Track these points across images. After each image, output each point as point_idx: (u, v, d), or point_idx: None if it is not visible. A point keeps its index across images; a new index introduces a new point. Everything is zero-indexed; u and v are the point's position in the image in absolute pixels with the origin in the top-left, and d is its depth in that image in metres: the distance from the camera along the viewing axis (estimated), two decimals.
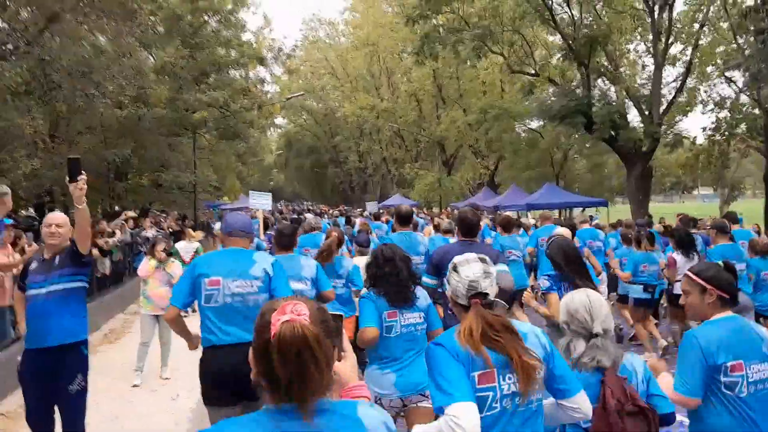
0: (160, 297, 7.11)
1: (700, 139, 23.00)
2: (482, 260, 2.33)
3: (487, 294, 2.25)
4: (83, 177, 3.57)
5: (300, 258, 5.03)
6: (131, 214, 12.17)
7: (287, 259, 4.79)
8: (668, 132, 21.36)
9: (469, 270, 2.29)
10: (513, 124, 28.97)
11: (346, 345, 1.70)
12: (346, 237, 8.36)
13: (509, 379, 2.11)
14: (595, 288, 3.22)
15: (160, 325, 7.23)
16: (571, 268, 3.83)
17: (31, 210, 16.49)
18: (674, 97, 21.44)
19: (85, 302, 4.30)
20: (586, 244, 7.89)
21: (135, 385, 7.03)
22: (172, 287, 7.32)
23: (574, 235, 6.81)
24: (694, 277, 2.68)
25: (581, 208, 25.48)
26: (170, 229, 17.10)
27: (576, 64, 19.02)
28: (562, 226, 7.01)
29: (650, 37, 21.28)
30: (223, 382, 3.43)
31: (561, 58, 18.26)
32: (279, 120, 52.29)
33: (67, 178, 3.54)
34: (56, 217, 4.19)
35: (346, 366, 1.65)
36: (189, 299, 3.70)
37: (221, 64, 21.74)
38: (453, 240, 7.27)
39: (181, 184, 20.34)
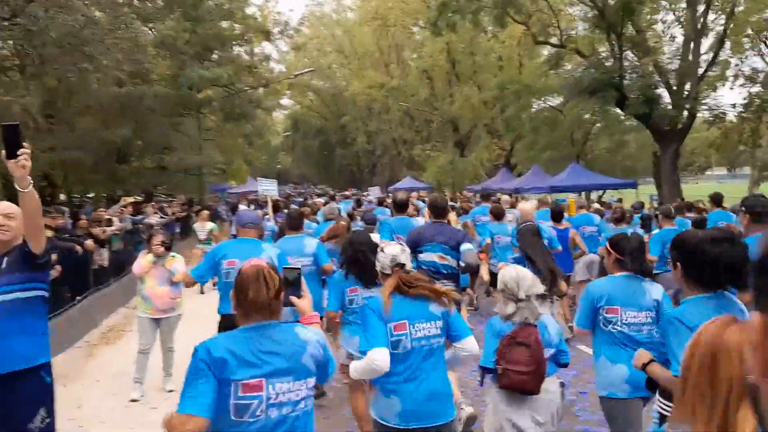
0: (160, 297, 6.09)
1: (729, 116, 21.73)
2: (400, 243, 3.58)
3: (404, 264, 3.18)
4: (25, 150, 2.54)
5: (304, 238, 5.89)
6: (131, 199, 11.17)
7: (294, 238, 5.77)
8: (700, 108, 20.06)
9: (392, 249, 3.25)
10: (531, 102, 27.62)
11: (305, 287, 2.44)
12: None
13: (417, 327, 2.98)
14: (553, 268, 4.66)
15: (161, 330, 6.22)
16: (531, 251, 4.79)
17: None
18: (705, 71, 20.10)
19: (45, 316, 3.29)
20: (579, 230, 8.29)
21: (133, 400, 6.04)
22: (172, 286, 6.35)
23: (560, 218, 7.90)
24: (606, 244, 3.65)
25: (601, 191, 24.37)
26: (174, 215, 16.12)
27: (605, 33, 17.68)
28: (553, 211, 8.10)
29: (682, 5, 19.92)
30: None
31: (591, 27, 16.88)
32: (285, 101, 51.14)
33: (4, 152, 2.50)
34: (5, 206, 3.15)
35: (304, 302, 2.40)
36: (207, 274, 4.88)
37: (225, 38, 20.53)
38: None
39: (186, 167, 19.29)
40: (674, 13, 22.36)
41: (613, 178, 20.67)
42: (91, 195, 21.93)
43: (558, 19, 19.18)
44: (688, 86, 18.29)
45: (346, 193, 29.69)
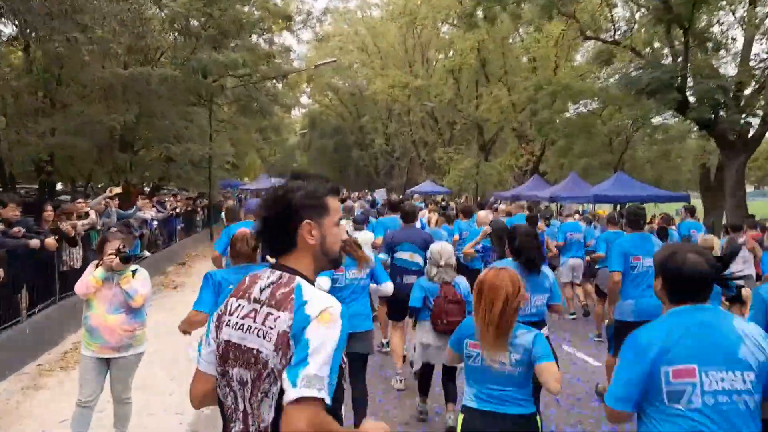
0: (111, 329, 4.17)
1: None
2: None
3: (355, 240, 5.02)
4: None
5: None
6: (117, 189, 9.28)
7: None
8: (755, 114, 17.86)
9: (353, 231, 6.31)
10: (567, 105, 25.55)
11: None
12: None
13: (350, 270, 4.68)
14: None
15: (112, 375, 4.30)
16: (497, 242, 5.62)
17: None
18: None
19: None
20: (566, 236, 9.38)
21: None
22: (131, 314, 4.43)
23: (535, 223, 8.47)
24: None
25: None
26: (175, 211, 14.29)
27: (666, 28, 15.56)
28: (528, 216, 9.18)
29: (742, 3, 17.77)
30: None
31: (653, 20, 14.74)
32: (304, 99, 49.43)
33: None
34: None
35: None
36: (226, 249, 5.63)
37: (243, 24, 18.66)
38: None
39: (194, 159, 17.43)
40: (733, 14, 20.20)
41: (663, 189, 18.49)
42: (100, 185, 20.26)
43: (612, 12, 17.10)
44: (746, 92, 16.21)
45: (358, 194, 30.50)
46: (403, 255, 6.26)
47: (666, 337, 2.16)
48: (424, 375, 5.11)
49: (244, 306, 1.70)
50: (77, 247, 7.92)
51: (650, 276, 4.41)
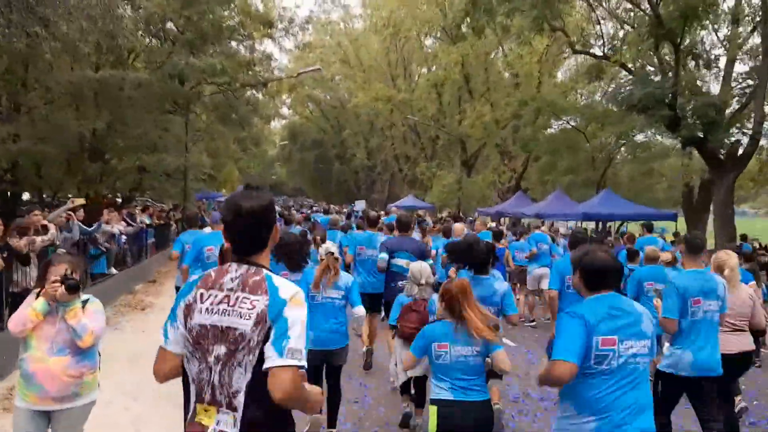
0: (53, 375, 3.37)
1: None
2: (330, 242, 5.75)
3: (333, 253, 4.93)
4: None
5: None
6: (79, 201, 8.39)
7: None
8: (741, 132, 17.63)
9: (327, 245, 5.12)
10: (550, 122, 25.27)
11: None
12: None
13: (329, 292, 4.85)
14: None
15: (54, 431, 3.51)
16: (455, 257, 5.14)
17: None
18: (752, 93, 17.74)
19: None
20: (537, 246, 10.15)
21: None
22: (78, 356, 3.60)
23: (500, 239, 9.70)
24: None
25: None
26: (145, 224, 13.40)
27: (655, 44, 15.26)
28: (494, 232, 10.05)
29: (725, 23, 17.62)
30: None
31: (645, 35, 14.38)
32: (284, 110, 48.58)
33: None
34: None
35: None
36: (195, 261, 6.31)
37: (222, 27, 17.91)
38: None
39: (168, 169, 16.53)
40: (715, 34, 20.10)
41: (651, 208, 18.10)
42: (69, 196, 19.14)
43: (599, 27, 16.79)
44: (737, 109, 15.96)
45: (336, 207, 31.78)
46: (399, 261, 6.67)
47: (593, 315, 2.80)
48: (417, 385, 5.29)
49: (216, 294, 2.01)
50: (30, 266, 7.05)
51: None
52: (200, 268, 6.06)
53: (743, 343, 4.67)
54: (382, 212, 24.80)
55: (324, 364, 4.84)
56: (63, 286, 3.37)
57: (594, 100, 26.67)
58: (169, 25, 16.80)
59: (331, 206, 33.02)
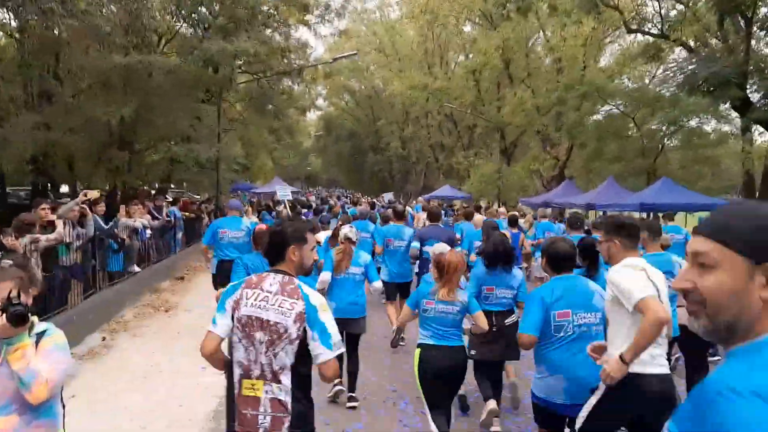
0: None
1: None
2: (350, 227, 5.88)
3: (351, 238, 5.52)
4: None
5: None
6: (94, 193, 7.47)
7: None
8: None
9: (346, 229, 5.65)
10: (596, 108, 23.59)
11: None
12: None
13: (352, 268, 5.48)
14: (508, 248, 5.12)
15: None
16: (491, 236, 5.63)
17: None
18: None
19: None
20: (545, 234, 10.17)
21: None
22: (29, 414, 2.60)
23: (515, 224, 10.00)
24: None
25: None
26: (172, 218, 12.55)
27: (719, 19, 13.62)
28: (510, 218, 10.42)
29: None
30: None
31: (712, 8, 12.75)
32: (319, 101, 47.74)
33: None
34: None
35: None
36: (212, 241, 7.28)
37: (257, 13, 16.89)
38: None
39: (199, 159, 15.68)
40: None
41: (714, 198, 16.41)
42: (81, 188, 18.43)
43: (659, 3, 15.15)
44: None
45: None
46: (430, 249, 7.17)
47: (552, 293, 3.48)
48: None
49: (258, 294, 2.59)
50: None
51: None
52: (217, 249, 7.34)
53: None
54: (413, 202, 24.26)
55: (344, 333, 5.04)
56: (3, 316, 2.33)
57: (643, 84, 24.81)
58: (202, 9, 15.87)
59: (360, 197, 33.12)
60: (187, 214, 14.17)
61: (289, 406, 2.50)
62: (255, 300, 2.54)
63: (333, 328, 2.53)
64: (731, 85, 12.87)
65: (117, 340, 7.41)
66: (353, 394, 5.33)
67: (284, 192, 15.47)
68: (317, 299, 2.56)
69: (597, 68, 26.62)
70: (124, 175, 14.24)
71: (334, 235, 6.50)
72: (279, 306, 2.51)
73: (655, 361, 3.08)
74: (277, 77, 20.86)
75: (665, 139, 23.26)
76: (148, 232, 10.41)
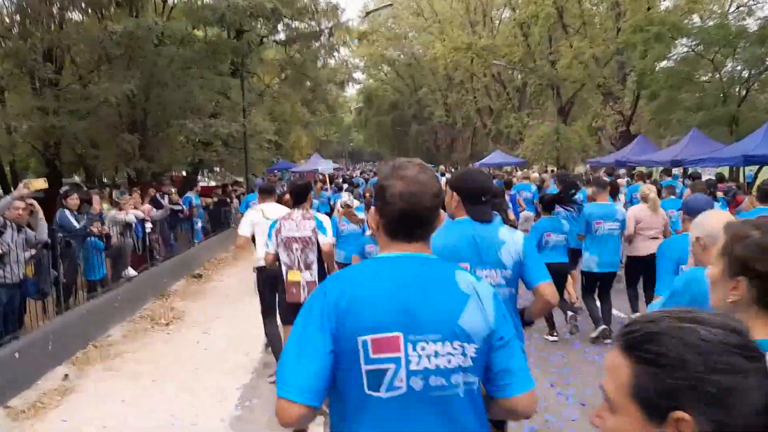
0: None
1: None
2: (349, 195, 7.44)
3: (350, 205, 6.43)
4: None
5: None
6: (37, 184, 5.37)
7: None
8: None
9: (343, 197, 7.00)
10: (669, 50, 20.21)
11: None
12: None
13: (349, 225, 6.53)
14: (505, 210, 5.19)
15: None
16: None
17: None
18: None
19: None
20: (520, 194, 10.91)
21: None
22: None
23: (510, 187, 11.25)
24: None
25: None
26: (179, 204, 10.53)
27: None
28: (505, 181, 11.89)
29: None
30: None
31: None
32: (357, 75, 45.15)
33: None
34: None
35: None
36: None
37: None
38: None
39: (221, 136, 13.61)
40: None
41: None
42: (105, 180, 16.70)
43: None
44: None
45: None
46: None
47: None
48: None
49: (291, 223, 4.38)
50: None
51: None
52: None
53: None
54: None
55: None
56: None
57: (722, 18, 21.13)
58: None
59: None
60: (207, 201, 12.13)
61: (317, 284, 3.87)
62: (290, 225, 4.38)
63: (329, 229, 4.49)
64: None
65: (84, 378, 5.39)
66: None
67: (326, 166, 15.99)
68: (322, 218, 4.55)
69: (663, 9, 23.03)
70: (135, 160, 12.28)
71: (367, 205, 7.30)
72: (303, 228, 4.38)
73: None
74: (309, 49, 18.58)
75: (752, 83, 19.74)
76: (149, 225, 8.39)
